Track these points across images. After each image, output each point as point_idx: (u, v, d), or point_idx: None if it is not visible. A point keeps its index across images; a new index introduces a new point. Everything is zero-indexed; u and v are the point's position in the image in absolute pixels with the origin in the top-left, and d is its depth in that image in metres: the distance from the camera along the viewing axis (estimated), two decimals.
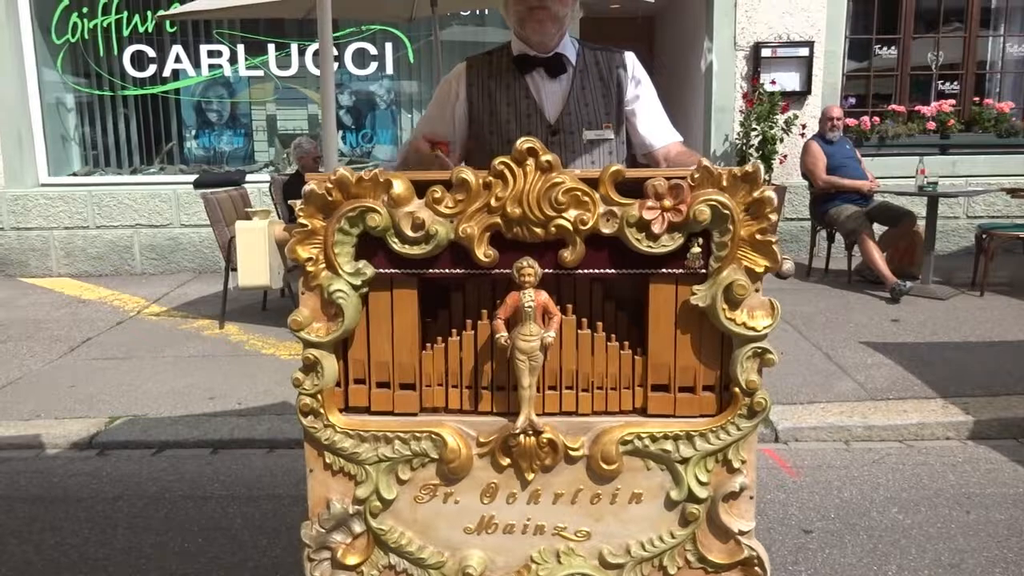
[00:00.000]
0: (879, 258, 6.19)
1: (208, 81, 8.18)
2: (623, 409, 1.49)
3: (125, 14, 7.91)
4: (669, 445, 1.47)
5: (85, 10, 7.89)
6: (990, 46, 8.27)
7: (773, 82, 7.50)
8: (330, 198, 1.36)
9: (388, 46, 8.07)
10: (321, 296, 1.41)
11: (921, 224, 6.39)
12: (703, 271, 1.42)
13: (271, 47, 8.02)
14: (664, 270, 1.42)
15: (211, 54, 8.06)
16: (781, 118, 7.44)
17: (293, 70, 8.10)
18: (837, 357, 4.68)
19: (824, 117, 6.74)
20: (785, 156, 7.52)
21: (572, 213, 1.36)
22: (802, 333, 5.19)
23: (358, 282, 1.41)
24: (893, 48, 7.99)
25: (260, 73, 8.12)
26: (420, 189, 1.39)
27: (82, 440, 3.91)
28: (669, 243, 1.38)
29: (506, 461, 1.48)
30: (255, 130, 8.37)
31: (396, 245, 1.39)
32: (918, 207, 6.75)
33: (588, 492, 1.50)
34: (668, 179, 1.34)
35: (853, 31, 7.89)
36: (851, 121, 7.68)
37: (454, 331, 1.48)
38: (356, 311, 1.42)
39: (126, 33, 7.95)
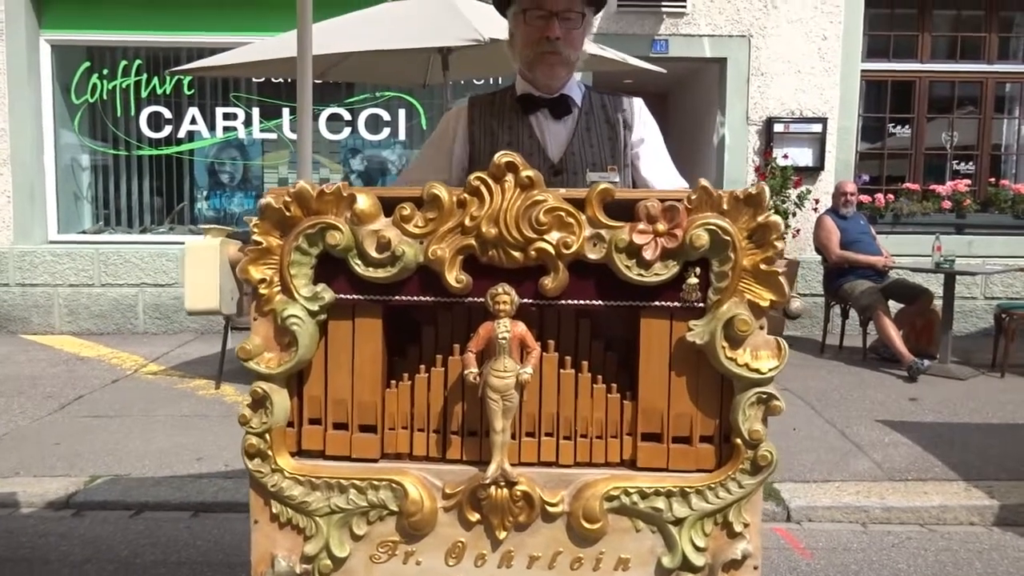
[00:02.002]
0: (896, 335, 6.01)
1: (222, 143, 8.23)
2: (609, 460, 1.31)
3: (144, 76, 8.02)
4: (661, 503, 1.28)
5: (105, 71, 8.02)
6: (1005, 128, 8.24)
7: (786, 156, 7.45)
8: (288, 213, 1.23)
9: (401, 112, 8.12)
10: (274, 322, 1.26)
11: (938, 303, 6.23)
12: (701, 304, 1.26)
13: (286, 111, 8.09)
14: (657, 302, 1.26)
15: (227, 116, 8.13)
16: (794, 192, 7.36)
17: None
18: (852, 435, 4.47)
19: (838, 192, 6.66)
20: (798, 230, 7.42)
21: (554, 235, 1.22)
22: (815, 409, 4.98)
23: (315, 308, 1.25)
24: (907, 127, 7.97)
25: (274, 136, 8.17)
26: (388, 207, 1.25)
27: (58, 500, 3.74)
28: (663, 272, 1.23)
29: (475, 516, 1.30)
30: (266, 192, 8.37)
31: (359, 267, 1.24)
32: (934, 286, 6.60)
33: (568, 555, 1.31)
34: (662, 201, 1.20)
35: (866, 109, 7.89)
36: (865, 198, 7.60)
37: (422, 367, 1.32)
38: (312, 341, 1.27)
39: (144, 95, 8.04)
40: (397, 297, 1.27)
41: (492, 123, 2.12)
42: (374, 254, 1.23)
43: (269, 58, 5.39)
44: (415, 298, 1.26)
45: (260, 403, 1.27)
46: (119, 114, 8.05)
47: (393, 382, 1.33)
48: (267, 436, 1.28)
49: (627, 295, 1.27)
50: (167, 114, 8.05)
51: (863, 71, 7.68)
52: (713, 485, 1.27)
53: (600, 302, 1.26)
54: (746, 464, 1.27)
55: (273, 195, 1.24)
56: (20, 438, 4.49)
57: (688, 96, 9.24)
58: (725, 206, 1.22)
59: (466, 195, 1.23)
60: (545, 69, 2.06)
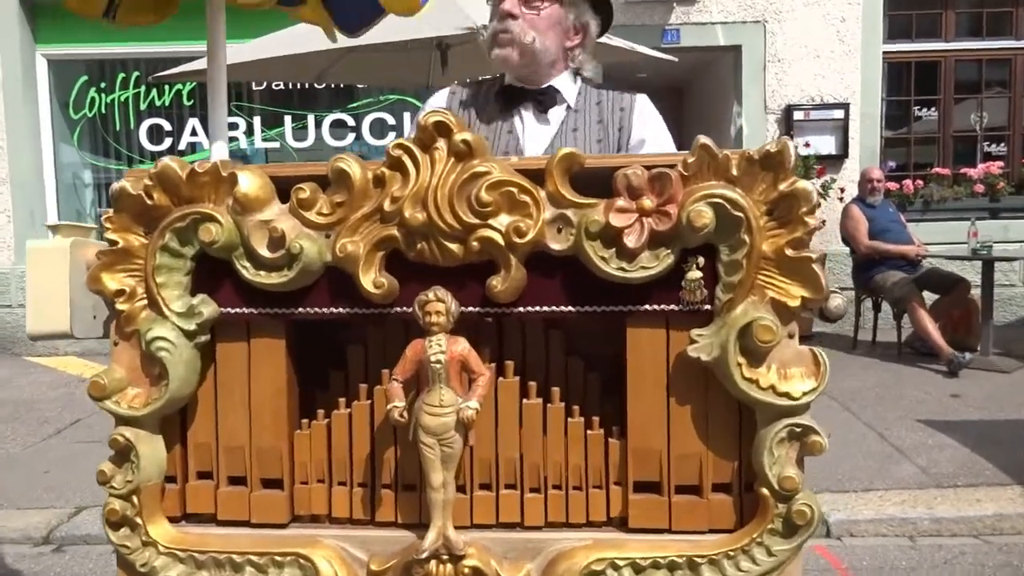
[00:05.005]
0: (932, 328, 5.73)
1: None
2: (592, 520, 0.98)
3: (143, 88, 7.92)
4: None
5: (103, 85, 7.95)
6: None
7: (807, 145, 7.17)
8: (150, 202, 0.91)
9: (406, 116, 7.97)
10: (140, 347, 0.95)
11: (975, 292, 5.89)
12: (707, 307, 0.93)
13: (287, 119, 7.95)
14: (647, 306, 0.93)
15: (228, 127, 7.96)
16: (817, 182, 7.05)
17: (309, 142, 8.04)
18: (893, 437, 4.21)
19: (864, 179, 6.43)
20: (824, 221, 7.01)
21: (503, 220, 0.89)
22: (851, 410, 4.71)
23: (192, 327, 0.94)
24: (933, 110, 7.65)
25: (276, 145, 8.03)
26: (286, 190, 0.94)
27: (39, 534, 3.55)
28: (652, 264, 0.90)
29: None
30: (124, 175, 8.24)
31: (247, 271, 0.92)
32: (969, 274, 6.29)
33: None
34: (648, 168, 0.88)
35: (890, 93, 7.62)
36: (892, 185, 7.30)
37: (342, 401, 1.00)
38: (190, 371, 0.95)
39: (143, 107, 7.94)
40: (300, 309, 0.95)
41: (470, 114, 1.88)
42: (265, 253, 0.91)
43: (260, 58, 5.18)
44: (322, 310, 0.94)
45: (123, 455, 0.95)
46: (119, 128, 7.98)
47: (305, 421, 1.01)
48: (135, 499, 0.96)
49: (606, 297, 0.94)
50: (167, 126, 7.99)
51: (885, 53, 7.45)
52: (733, 552, 0.93)
53: (570, 308, 0.92)
54: (777, 523, 0.92)
55: (131, 179, 0.93)
56: (9, 466, 4.34)
57: (703, 87, 9.03)
58: (734, 171, 0.88)
59: (384, 170, 0.91)
60: (498, 52, 1.80)
